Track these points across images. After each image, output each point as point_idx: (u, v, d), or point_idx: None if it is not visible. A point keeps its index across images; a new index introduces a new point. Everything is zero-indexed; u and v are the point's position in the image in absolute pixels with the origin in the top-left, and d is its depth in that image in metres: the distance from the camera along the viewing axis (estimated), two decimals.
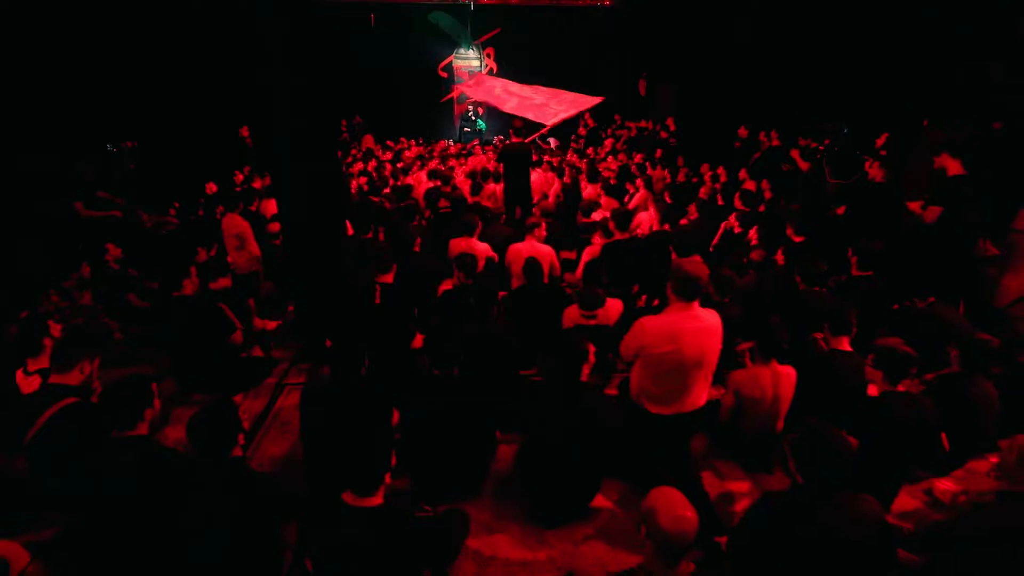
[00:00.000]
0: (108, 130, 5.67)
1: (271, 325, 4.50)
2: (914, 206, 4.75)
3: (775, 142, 7.69)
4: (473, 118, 15.99)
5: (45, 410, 2.22)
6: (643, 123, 12.16)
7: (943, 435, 2.65)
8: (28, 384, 2.75)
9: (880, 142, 5.53)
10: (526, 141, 6.61)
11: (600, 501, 2.79)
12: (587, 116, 13.77)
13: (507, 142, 7.12)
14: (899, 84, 6.12)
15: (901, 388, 2.61)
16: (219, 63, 6.45)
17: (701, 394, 2.72)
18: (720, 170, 7.93)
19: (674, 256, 4.49)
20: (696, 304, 2.58)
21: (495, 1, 15.38)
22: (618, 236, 4.36)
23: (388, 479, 1.90)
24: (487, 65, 16.21)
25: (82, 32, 5.24)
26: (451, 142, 14.65)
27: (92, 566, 2.03)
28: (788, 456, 1.98)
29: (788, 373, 2.96)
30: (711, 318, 2.63)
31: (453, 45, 15.90)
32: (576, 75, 15.18)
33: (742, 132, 8.70)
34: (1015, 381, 3.15)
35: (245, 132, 8.83)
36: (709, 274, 2.65)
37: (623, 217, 4.36)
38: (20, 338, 2.80)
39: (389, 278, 4.00)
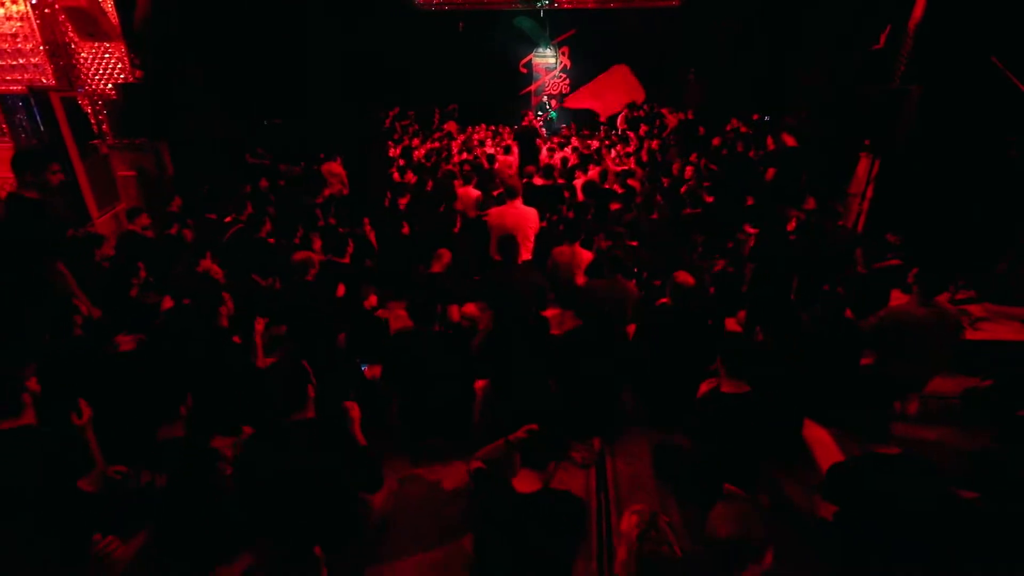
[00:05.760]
0: (265, 111, 9.39)
1: (342, 229, 7.65)
2: None
3: (743, 129, 9.34)
4: (548, 108, 18.52)
5: (230, 229, 5.39)
6: (680, 114, 13.81)
7: None
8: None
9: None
10: (534, 124, 9.25)
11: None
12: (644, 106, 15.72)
13: (520, 126, 9.73)
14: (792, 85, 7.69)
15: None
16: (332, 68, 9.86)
17: (523, 252, 5.14)
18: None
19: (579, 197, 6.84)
20: (518, 200, 5.03)
21: (570, 6, 17.62)
22: (545, 183, 6.81)
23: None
24: (561, 62, 18.57)
25: (253, 49, 8.81)
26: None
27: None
28: None
29: (584, 254, 5.22)
30: (527, 210, 5.06)
31: (533, 44, 18.43)
32: (641, 71, 17.07)
33: (734, 122, 10.31)
34: None
35: None
36: None
37: (547, 170, 6.79)
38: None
39: (405, 200, 6.88)
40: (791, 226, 4.54)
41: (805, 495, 2.96)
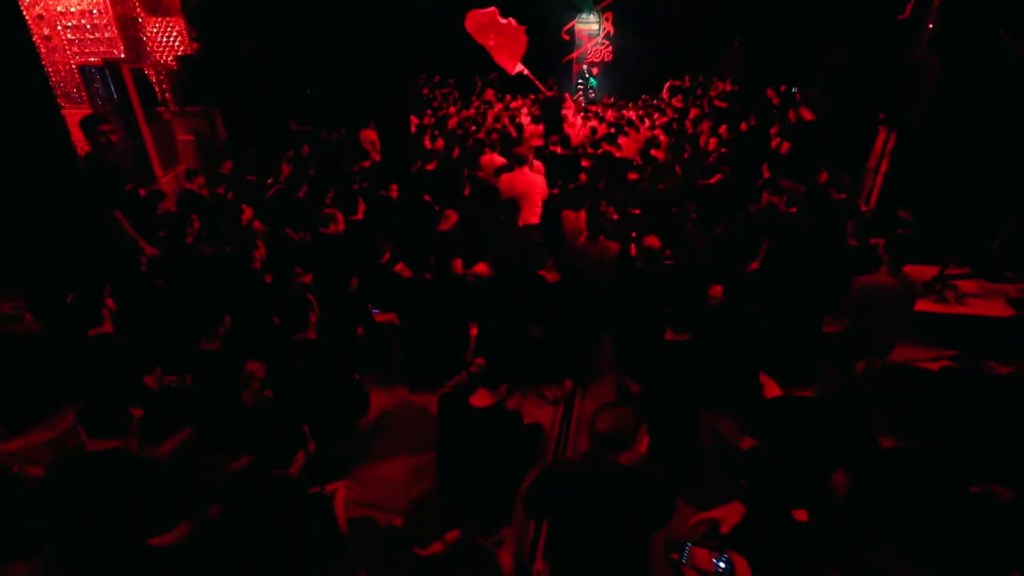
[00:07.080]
0: (308, 82, 9.99)
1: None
2: None
3: (775, 100, 9.17)
4: (587, 76, 18.40)
5: (271, 189, 6.04)
6: (721, 84, 13.49)
7: None
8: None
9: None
10: (560, 95, 9.54)
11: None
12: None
13: (546, 96, 9.96)
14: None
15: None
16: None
17: (530, 216, 5.53)
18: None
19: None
20: (525, 168, 5.41)
21: None
22: (564, 152, 7.11)
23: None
24: (605, 28, 18.25)
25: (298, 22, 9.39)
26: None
27: None
28: None
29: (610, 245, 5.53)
30: (534, 175, 5.44)
31: (576, 11, 18.17)
32: (688, 38, 16.63)
33: (768, 93, 10.09)
34: None
35: None
36: None
37: (565, 140, 7.08)
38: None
39: (432, 166, 7.35)
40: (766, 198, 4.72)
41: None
